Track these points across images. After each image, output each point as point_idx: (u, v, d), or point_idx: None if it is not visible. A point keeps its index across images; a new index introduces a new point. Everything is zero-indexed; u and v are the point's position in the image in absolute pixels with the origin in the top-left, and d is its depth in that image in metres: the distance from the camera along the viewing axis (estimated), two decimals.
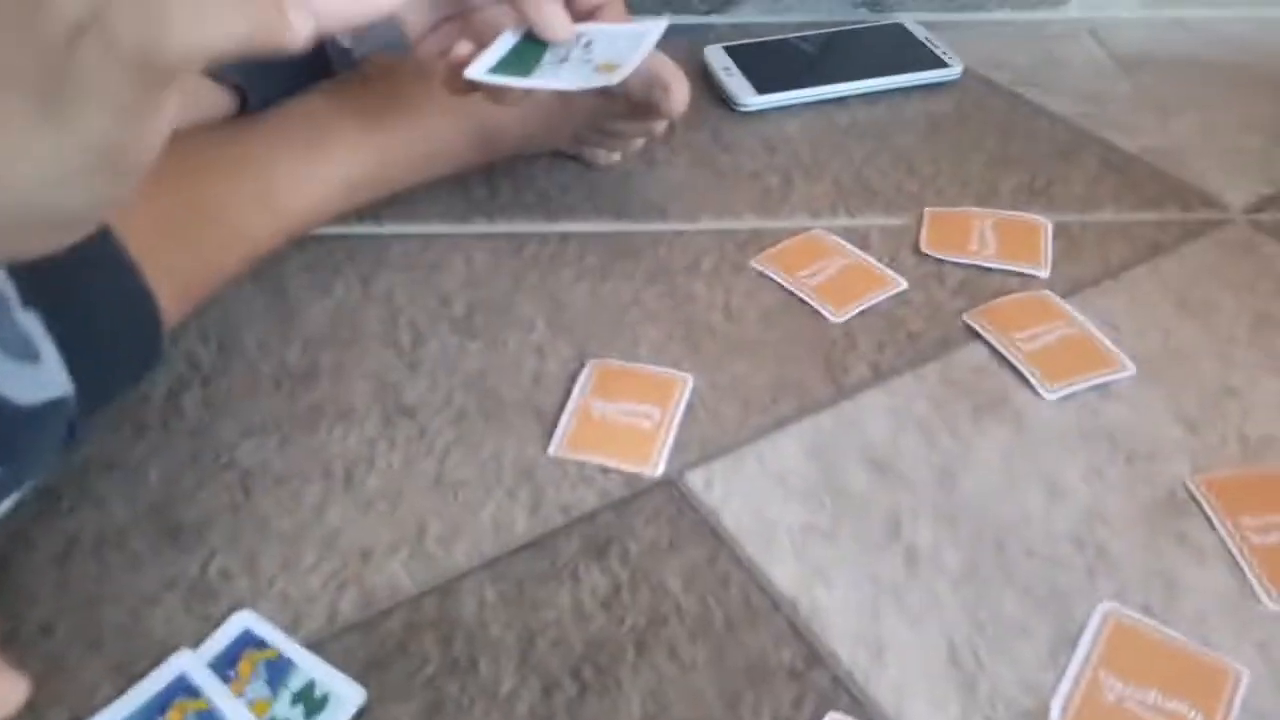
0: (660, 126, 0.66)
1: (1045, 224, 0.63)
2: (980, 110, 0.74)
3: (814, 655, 0.40)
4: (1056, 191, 0.66)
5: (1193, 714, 0.38)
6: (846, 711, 0.39)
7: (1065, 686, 0.39)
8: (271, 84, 0.59)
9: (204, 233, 0.51)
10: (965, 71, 0.77)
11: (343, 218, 0.61)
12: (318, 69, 0.62)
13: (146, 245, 0.46)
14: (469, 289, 0.59)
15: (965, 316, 0.56)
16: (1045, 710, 0.39)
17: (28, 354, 0.39)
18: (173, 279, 0.48)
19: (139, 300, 0.46)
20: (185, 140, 0.54)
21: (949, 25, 0.85)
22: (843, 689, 0.39)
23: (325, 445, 0.49)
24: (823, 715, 0.38)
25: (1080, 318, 0.56)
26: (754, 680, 0.40)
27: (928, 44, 0.79)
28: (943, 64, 0.77)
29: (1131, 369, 0.53)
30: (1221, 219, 0.64)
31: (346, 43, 0.62)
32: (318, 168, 0.57)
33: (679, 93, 0.60)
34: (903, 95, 0.76)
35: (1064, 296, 0.57)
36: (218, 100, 0.57)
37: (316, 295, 0.59)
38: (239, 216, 0.53)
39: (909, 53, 0.78)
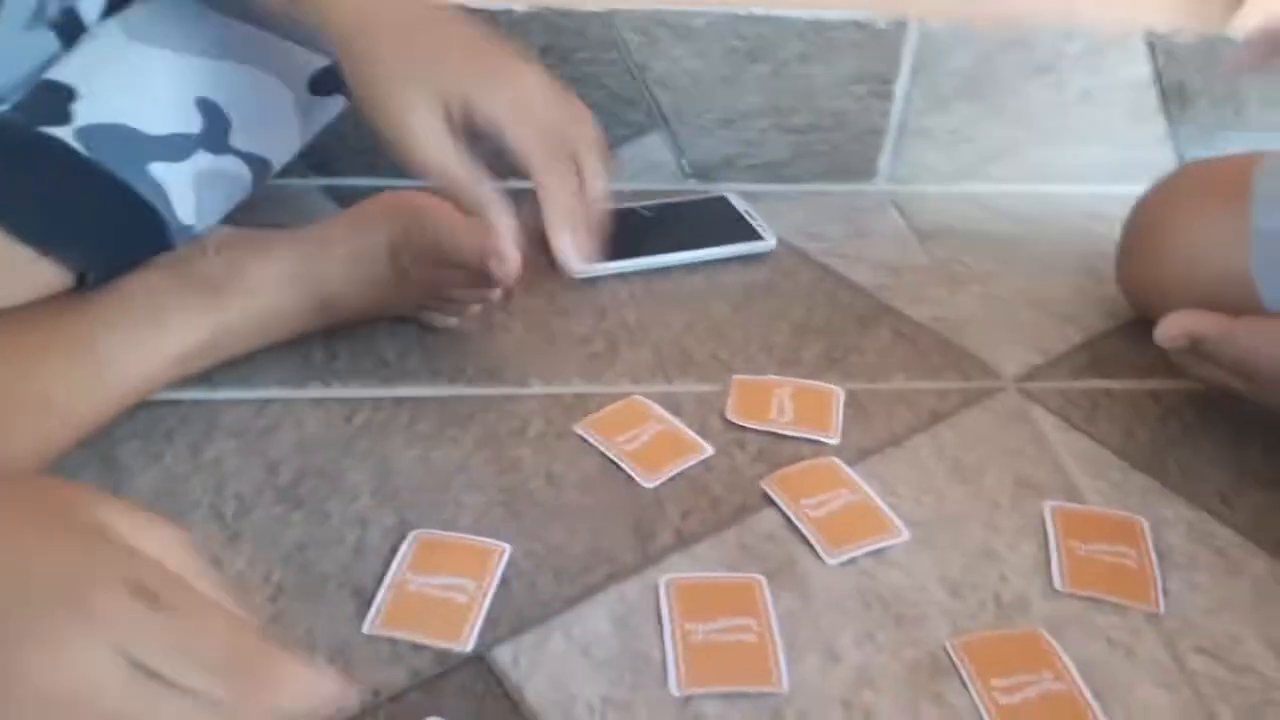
0: (495, 293, 0.70)
1: (838, 392, 0.69)
2: (790, 280, 0.82)
3: None
4: (852, 360, 0.73)
5: None
6: None
7: None
8: (114, 262, 0.61)
9: (32, 420, 0.53)
10: (780, 242, 0.85)
11: (176, 384, 0.63)
12: (158, 244, 0.64)
13: None
14: (298, 456, 0.62)
15: (762, 483, 0.62)
16: None
17: None
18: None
19: None
20: (16, 322, 0.56)
21: (770, 195, 0.93)
22: None
23: None
24: None
25: (864, 484, 0.62)
26: None
27: (747, 217, 0.87)
28: (759, 237, 0.84)
29: (906, 534, 0.59)
30: (996, 387, 0.72)
31: (189, 219, 0.64)
32: (152, 342, 0.59)
33: (511, 264, 0.65)
34: (722, 265, 0.83)
35: (852, 463, 0.63)
36: (53, 280, 0.59)
37: (145, 464, 0.60)
38: (69, 398, 0.55)
39: (729, 225, 0.86)
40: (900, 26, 0.88)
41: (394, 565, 0.54)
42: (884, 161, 0.95)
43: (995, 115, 0.94)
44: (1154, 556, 0.58)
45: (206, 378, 0.65)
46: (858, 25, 0.87)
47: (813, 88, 0.90)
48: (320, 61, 0.67)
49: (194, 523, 0.57)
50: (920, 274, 0.84)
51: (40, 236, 0.58)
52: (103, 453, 0.60)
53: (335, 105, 0.70)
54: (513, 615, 0.53)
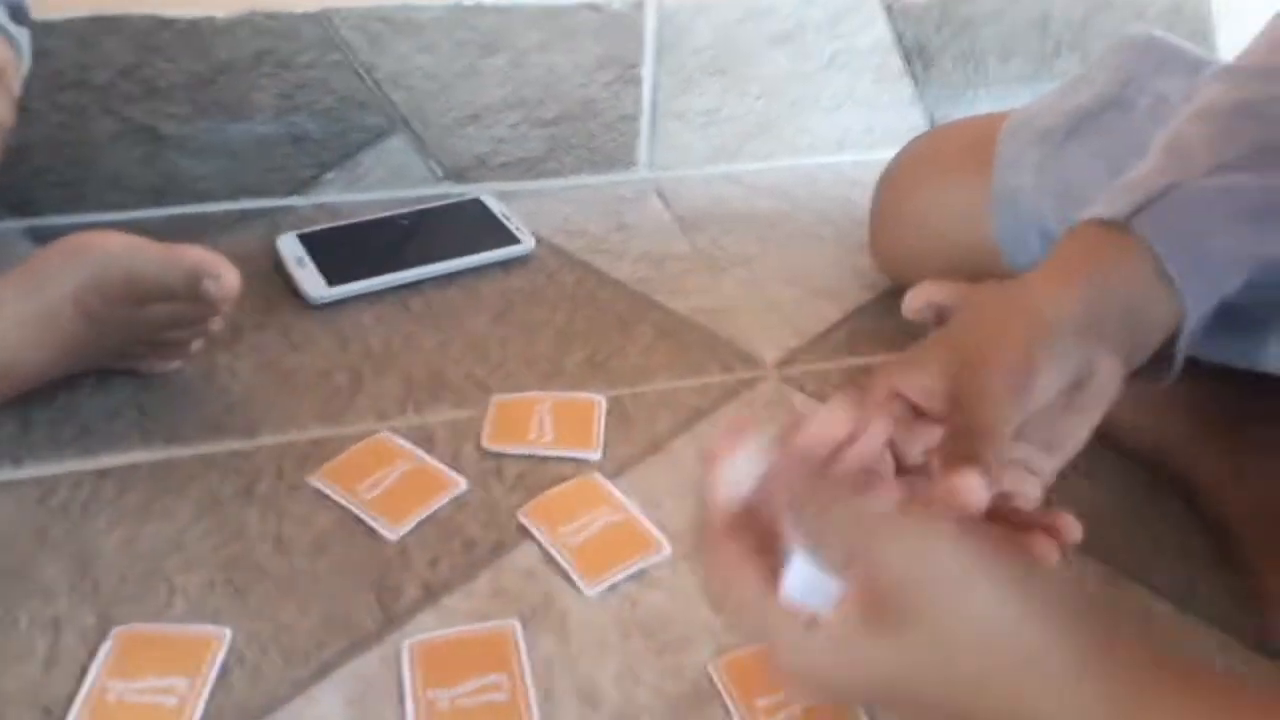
0: (216, 323, 0.63)
1: (600, 402, 0.66)
2: (552, 284, 0.78)
3: None
4: (614, 364, 0.70)
5: None
6: None
7: None
8: None
9: None
10: (541, 242, 0.81)
11: None
12: None
13: None
14: None
15: (519, 514, 0.58)
16: None
17: None
18: None
19: None
20: None
21: (531, 193, 0.89)
22: None
23: None
24: None
25: (624, 499, 0.59)
26: None
27: (503, 219, 0.82)
28: (515, 240, 0.80)
29: (668, 549, 0.56)
30: (756, 376, 0.70)
31: None
32: None
33: (229, 279, 0.58)
34: (478, 274, 0.78)
35: (613, 477, 0.60)
36: None
37: None
38: None
39: (484, 230, 0.81)
40: (637, 7, 0.84)
41: (91, 674, 0.48)
42: (642, 149, 0.92)
43: (745, 90, 0.92)
44: None
45: None
46: (593, 9, 0.83)
47: (557, 77, 0.86)
48: None
49: None
50: (682, 263, 0.82)
51: None
52: None
53: None
54: (234, 712, 0.47)
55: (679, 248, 0.84)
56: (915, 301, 0.65)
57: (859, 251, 0.82)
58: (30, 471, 0.59)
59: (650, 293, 0.78)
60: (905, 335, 0.73)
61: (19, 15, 0.62)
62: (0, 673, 0.48)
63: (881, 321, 0.76)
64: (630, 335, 0.73)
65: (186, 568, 0.54)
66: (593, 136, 0.90)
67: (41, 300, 0.58)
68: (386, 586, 0.54)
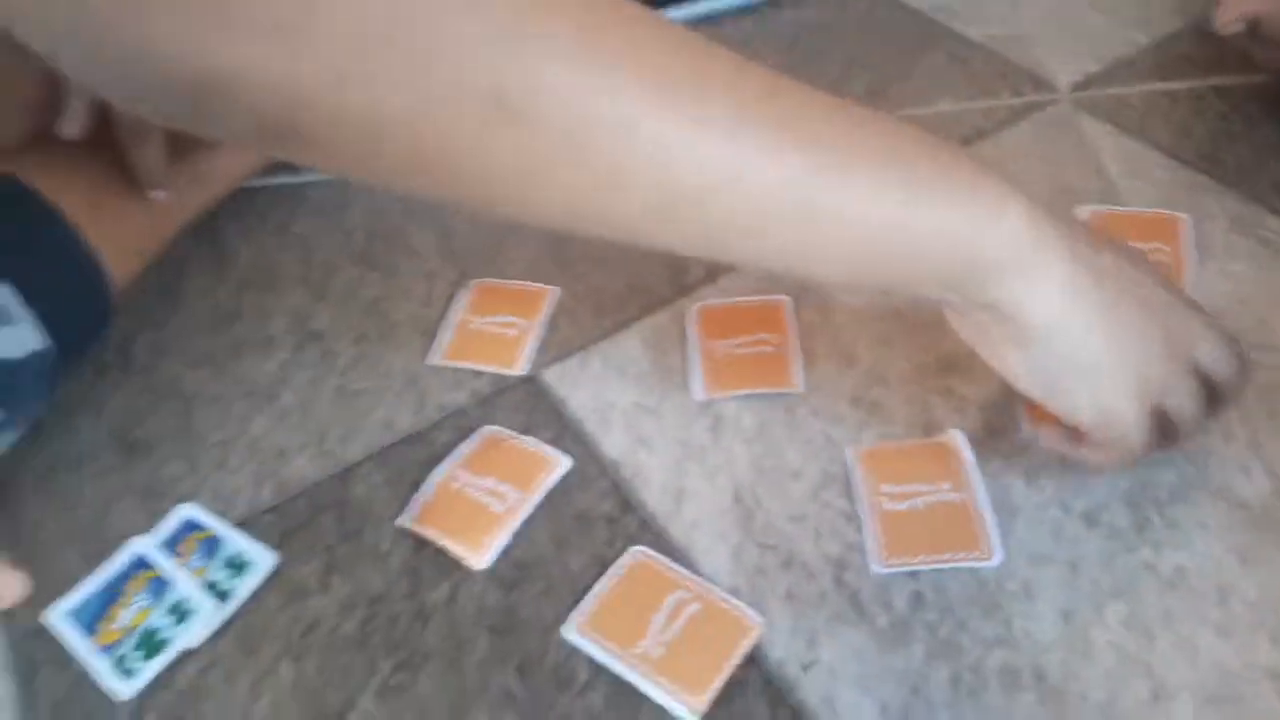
0: None
1: None
2: (842, 12, 0.80)
3: (627, 505, 0.51)
4: (895, 89, 0.73)
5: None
6: (650, 546, 0.49)
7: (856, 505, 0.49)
8: None
9: (133, 204, 0.60)
10: None
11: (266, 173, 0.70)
12: None
13: (84, 218, 0.56)
14: (369, 222, 0.69)
15: None
16: (807, 535, 0.49)
17: (3, 320, 0.50)
18: (113, 245, 0.58)
19: (87, 268, 0.56)
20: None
21: None
22: (648, 529, 0.50)
23: (249, 371, 0.60)
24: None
25: None
26: (579, 527, 0.50)
27: None
28: None
29: None
30: (1047, 100, 0.70)
31: None
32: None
33: None
34: (774, 5, 0.82)
35: None
36: None
37: (243, 242, 0.69)
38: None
39: None
40: None
41: (456, 308, 0.61)
42: None
43: None
44: (1192, 251, 0.58)
45: (290, 166, 0.72)
46: None
47: None
48: None
49: (286, 287, 0.65)
50: None
51: None
52: (209, 236, 0.68)
53: None
54: (559, 345, 0.59)
55: None
56: (1227, 14, 0.62)
57: None
58: None
59: (947, 20, 0.78)
60: (1215, 62, 0.70)
61: None
62: (393, 305, 0.63)
63: (1196, 46, 0.72)
64: (919, 60, 0.75)
65: (522, 242, 0.66)
66: None
67: None
68: (678, 265, 0.63)
